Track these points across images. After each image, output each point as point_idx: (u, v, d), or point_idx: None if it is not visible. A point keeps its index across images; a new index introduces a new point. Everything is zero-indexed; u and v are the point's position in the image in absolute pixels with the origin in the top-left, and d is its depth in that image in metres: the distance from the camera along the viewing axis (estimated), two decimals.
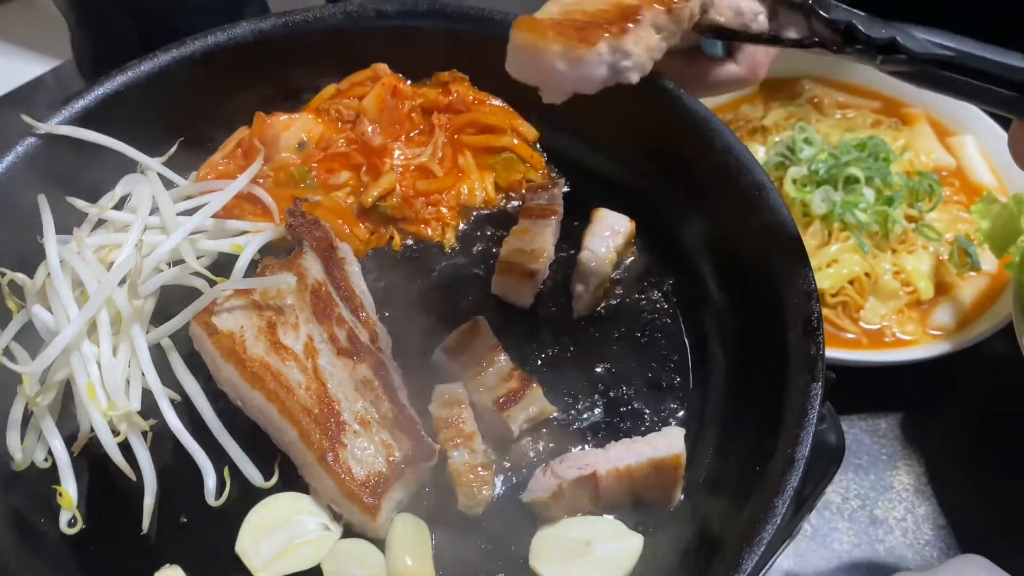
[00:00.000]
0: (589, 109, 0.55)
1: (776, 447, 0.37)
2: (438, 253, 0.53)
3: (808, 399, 0.38)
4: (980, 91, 0.32)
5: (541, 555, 0.41)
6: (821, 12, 0.33)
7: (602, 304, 0.50)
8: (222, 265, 0.52)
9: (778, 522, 0.34)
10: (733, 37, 0.38)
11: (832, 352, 0.64)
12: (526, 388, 0.44)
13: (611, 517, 0.42)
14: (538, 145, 0.57)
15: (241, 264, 0.49)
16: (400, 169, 0.54)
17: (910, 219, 0.69)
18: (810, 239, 0.68)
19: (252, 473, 0.43)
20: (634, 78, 0.33)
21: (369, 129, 0.56)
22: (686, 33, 0.37)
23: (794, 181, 0.70)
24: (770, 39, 0.37)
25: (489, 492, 0.41)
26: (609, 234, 0.50)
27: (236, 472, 0.44)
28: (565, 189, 0.54)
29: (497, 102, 0.57)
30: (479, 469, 0.41)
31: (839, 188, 0.69)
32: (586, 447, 0.44)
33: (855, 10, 0.34)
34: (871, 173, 0.69)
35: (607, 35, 0.33)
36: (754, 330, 0.44)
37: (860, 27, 0.34)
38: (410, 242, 0.53)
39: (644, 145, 0.53)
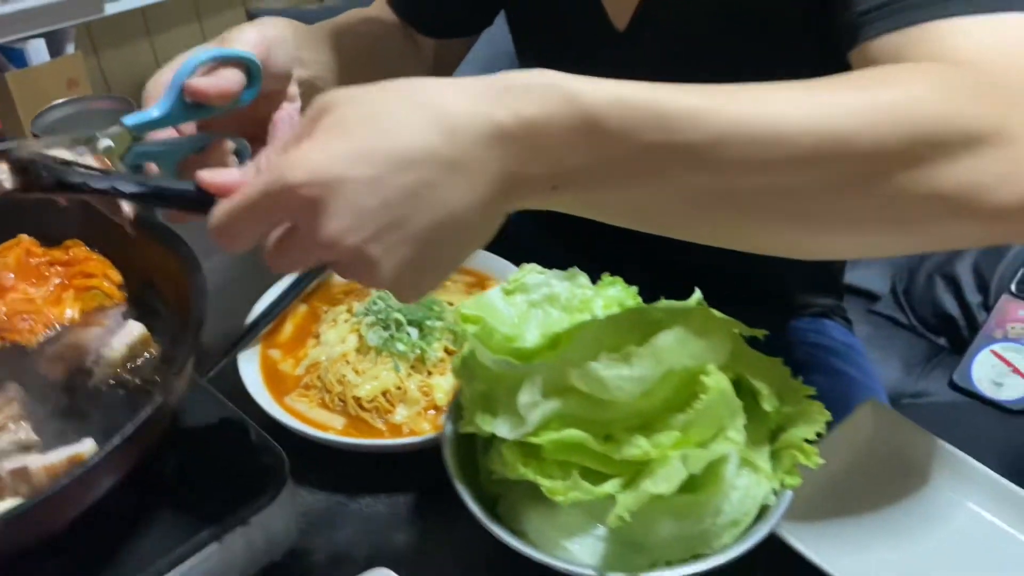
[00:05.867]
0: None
1: None
2: (24, 352, 0.77)
3: None
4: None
5: None
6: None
7: (112, 384, 0.73)
8: None
9: None
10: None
11: (364, 440, 0.86)
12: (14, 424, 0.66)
13: None
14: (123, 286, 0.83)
15: None
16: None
17: (449, 351, 0.94)
18: (368, 364, 0.92)
19: None
20: None
21: (11, 276, 0.82)
22: None
23: (368, 325, 0.95)
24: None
25: None
26: (125, 336, 0.74)
27: None
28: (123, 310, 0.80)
29: (99, 256, 0.84)
30: None
31: (390, 328, 0.94)
32: None
33: (87, 171, 0.55)
34: (414, 318, 0.95)
35: None
36: None
37: (89, 183, 0.52)
38: (9, 346, 0.78)
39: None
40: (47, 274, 0.83)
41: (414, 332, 0.93)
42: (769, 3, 0.83)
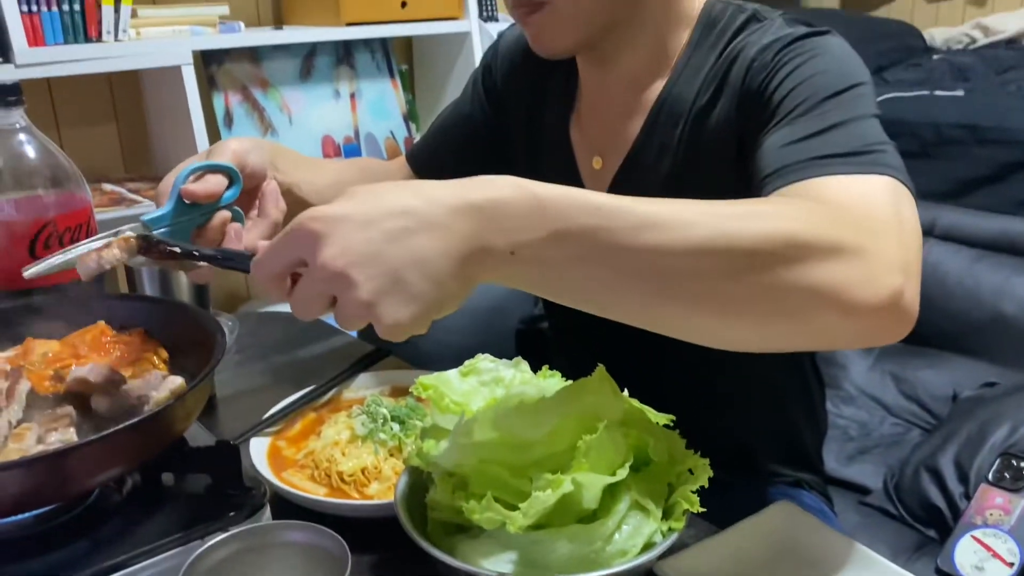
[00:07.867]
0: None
1: None
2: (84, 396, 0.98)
3: None
4: None
5: None
6: None
7: None
8: None
9: None
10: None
11: (340, 500, 1.01)
12: None
13: None
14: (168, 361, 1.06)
15: None
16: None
17: None
18: (354, 448, 1.09)
19: None
20: (107, 266, 0.82)
21: (84, 348, 1.06)
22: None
23: (360, 423, 1.13)
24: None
25: None
26: (169, 384, 0.95)
27: None
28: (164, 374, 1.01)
29: (154, 341, 1.07)
30: None
31: (376, 422, 1.12)
32: None
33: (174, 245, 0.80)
34: (399, 414, 1.12)
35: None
36: None
37: (185, 251, 0.81)
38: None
39: None
40: (112, 350, 1.06)
41: (396, 426, 1.11)
42: (712, 179, 1.08)
